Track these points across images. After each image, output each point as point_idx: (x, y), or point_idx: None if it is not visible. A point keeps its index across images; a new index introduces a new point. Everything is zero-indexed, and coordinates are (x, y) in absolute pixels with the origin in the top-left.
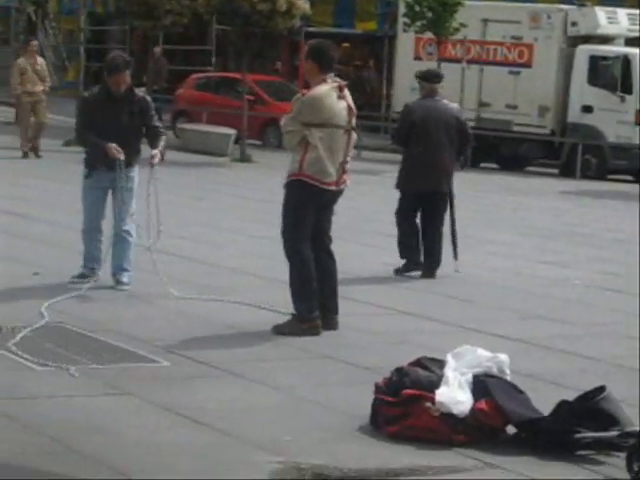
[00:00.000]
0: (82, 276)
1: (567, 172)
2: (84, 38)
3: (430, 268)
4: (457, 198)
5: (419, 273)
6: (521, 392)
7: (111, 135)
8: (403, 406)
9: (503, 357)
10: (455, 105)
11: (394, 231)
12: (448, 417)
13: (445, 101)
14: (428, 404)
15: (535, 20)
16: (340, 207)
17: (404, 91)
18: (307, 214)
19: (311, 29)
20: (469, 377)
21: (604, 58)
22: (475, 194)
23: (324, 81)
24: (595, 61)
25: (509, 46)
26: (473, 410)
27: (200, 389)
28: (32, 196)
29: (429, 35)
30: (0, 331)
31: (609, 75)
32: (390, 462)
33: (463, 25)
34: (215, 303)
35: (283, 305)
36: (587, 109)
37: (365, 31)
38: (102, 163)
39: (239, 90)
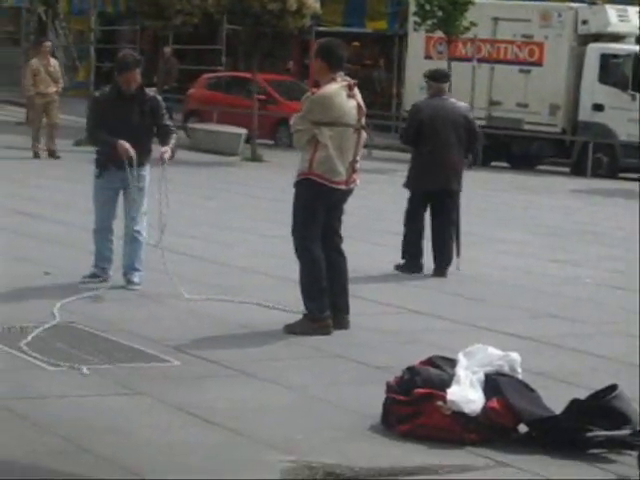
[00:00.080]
0: (93, 276)
1: (578, 170)
2: (94, 38)
3: (441, 267)
4: (468, 197)
5: (419, 275)
6: (532, 391)
7: (122, 134)
8: (415, 405)
9: (514, 356)
10: (463, 104)
11: None
12: (460, 416)
13: (453, 100)
14: (440, 403)
15: (545, 18)
16: (350, 206)
17: (414, 90)
18: (317, 213)
19: (321, 28)
20: (480, 376)
21: (615, 56)
22: (485, 193)
23: (334, 80)
24: (606, 59)
25: (520, 44)
26: (485, 409)
27: (211, 388)
28: (43, 196)
29: (439, 34)
30: (11, 331)
31: (620, 73)
32: (402, 461)
33: (473, 24)
34: (226, 302)
35: (294, 304)
36: (598, 107)
37: (375, 30)
38: (113, 163)
39: (250, 90)
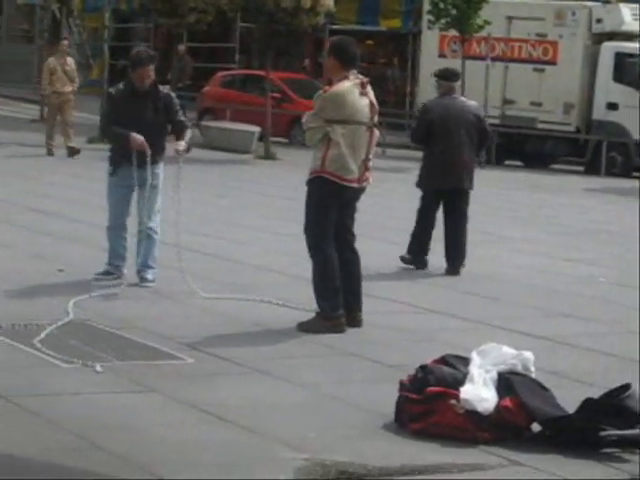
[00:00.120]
0: (107, 273)
1: (592, 169)
2: (108, 36)
3: (454, 265)
4: (482, 196)
5: (424, 271)
6: (546, 390)
7: (135, 131)
8: (428, 403)
9: (528, 354)
10: (473, 102)
11: None
12: (473, 414)
13: (463, 98)
14: (453, 401)
15: (560, 17)
16: (363, 204)
17: (428, 88)
18: (329, 211)
19: (335, 26)
20: (494, 374)
21: (630, 55)
22: (499, 191)
23: (346, 78)
24: (621, 58)
25: (534, 43)
26: (498, 407)
27: (224, 386)
28: (57, 193)
29: (453, 32)
30: (25, 328)
31: (634, 72)
32: (414, 459)
33: (487, 22)
34: (239, 300)
35: (307, 302)
36: (612, 106)
37: (389, 28)
38: (127, 160)
39: (264, 87)
